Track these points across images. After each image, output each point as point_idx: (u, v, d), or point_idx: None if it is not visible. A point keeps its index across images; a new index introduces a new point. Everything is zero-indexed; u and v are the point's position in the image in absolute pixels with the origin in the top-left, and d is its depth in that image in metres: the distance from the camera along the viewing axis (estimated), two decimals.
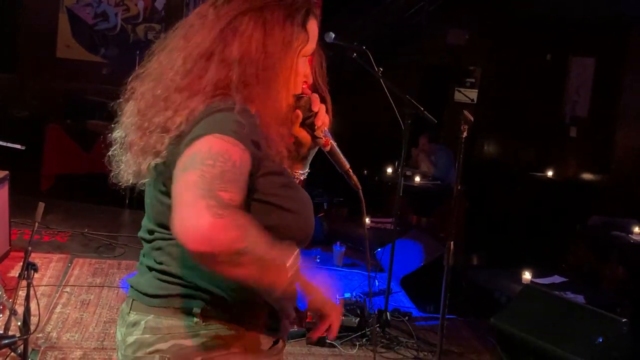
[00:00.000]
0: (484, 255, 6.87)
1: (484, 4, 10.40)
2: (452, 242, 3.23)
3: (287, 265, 1.38)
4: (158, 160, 1.47)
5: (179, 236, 1.28)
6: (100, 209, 6.73)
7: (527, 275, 5.11)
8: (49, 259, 5.16)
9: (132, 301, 1.57)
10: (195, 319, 1.49)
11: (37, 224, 3.12)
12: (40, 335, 3.85)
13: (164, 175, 1.48)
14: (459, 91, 12.02)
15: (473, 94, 11.75)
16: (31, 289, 3.05)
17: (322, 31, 5.39)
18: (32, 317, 3.10)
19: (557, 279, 5.26)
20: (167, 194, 1.45)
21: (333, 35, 4.09)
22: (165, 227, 1.49)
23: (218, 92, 1.47)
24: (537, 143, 10.18)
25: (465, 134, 3.21)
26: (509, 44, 10.20)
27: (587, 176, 9.17)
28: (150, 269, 1.56)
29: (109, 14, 8.87)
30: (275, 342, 1.60)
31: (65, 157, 7.35)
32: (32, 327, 3.16)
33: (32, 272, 3.05)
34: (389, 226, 6.30)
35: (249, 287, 1.37)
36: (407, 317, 4.67)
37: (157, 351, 1.49)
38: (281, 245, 1.38)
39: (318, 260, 5.64)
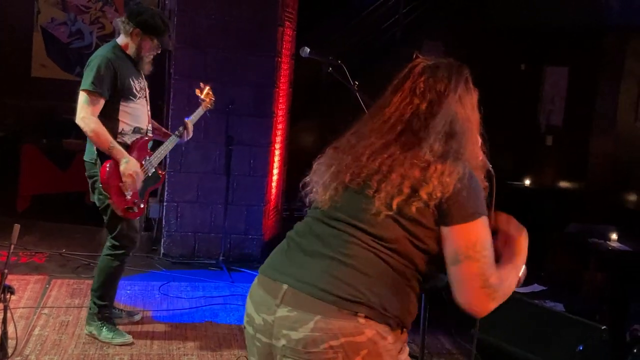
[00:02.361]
0: None
1: (458, 16, 10.49)
2: None
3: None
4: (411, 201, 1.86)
5: (465, 306, 1.89)
6: (77, 229, 6.67)
7: None
8: (27, 281, 5.10)
9: (287, 291, 1.87)
10: (361, 320, 1.81)
11: (12, 246, 3.09)
12: (18, 358, 3.80)
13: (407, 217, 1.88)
14: None
15: None
16: (8, 312, 3.02)
17: (298, 45, 5.43)
18: (9, 341, 3.07)
19: (536, 287, 5.28)
20: (416, 224, 1.88)
21: (308, 50, 4.09)
22: (398, 251, 1.88)
23: (450, 158, 1.89)
24: (514, 152, 10.24)
25: None
26: (484, 54, 10.27)
27: (564, 184, 9.26)
28: (336, 259, 1.88)
29: (84, 33, 8.83)
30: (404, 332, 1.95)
31: (42, 176, 7.29)
32: (10, 351, 3.13)
33: (9, 294, 3.02)
34: None
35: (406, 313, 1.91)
36: None
37: (330, 347, 1.79)
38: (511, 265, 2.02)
39: None
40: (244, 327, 2.03)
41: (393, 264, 1.88)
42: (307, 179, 2.09)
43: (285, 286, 1.88)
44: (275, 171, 6.34)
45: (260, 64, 5.92)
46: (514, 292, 5.07)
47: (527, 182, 9.65)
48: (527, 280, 5.44)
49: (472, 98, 2.06)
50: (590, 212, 8.25)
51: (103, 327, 4.16)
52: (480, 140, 2.08)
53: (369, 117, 2.10)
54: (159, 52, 4.25)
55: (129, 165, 3.94)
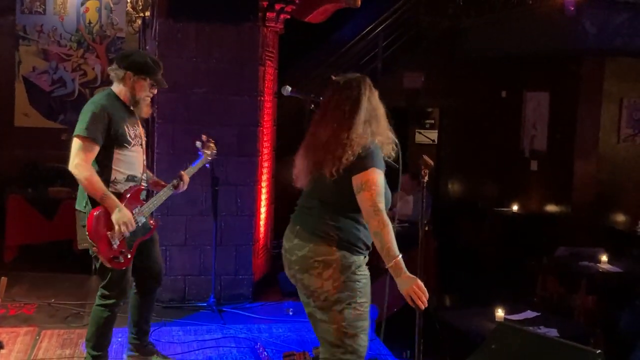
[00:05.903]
0: (456, 295, 6.88)
1: (437, 46, 10.61)
2: None
3: (394, 253, 3.08)
4: (337, 170, 3.11)
5: (370, 222, 3.07)
6: (66, 277, 6.59)
7: (500, 313, 5.11)
8: (16, 333, 5.03)
9: (298, 230, 3.25)
10: (333, 247, 3.14)
11: (0, 299, 3.06)
12: None
13: (341, 178, 3.12)
14: (420, 133, 12.17)
15: (433, 135, 11.91)
16: None
17: (280, 83, 5.45)
18: None
19: (529, 314, 5.27)
20: (341, 186, 3.14)
21: (289, 89, 4.12)
22: (342, 203, 3.17)
23: (365, 136, 3.18)
24: (500, 179, 10.30)
25: (426, 179, 3.25)
26: (464, 83, 10.39)
27: (550, 208, 9.30)
28: (315, 216, 3.21)
29: (66, 80, 8.85)
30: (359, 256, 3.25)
31: (28, 226, 7.24)
32: None
33: None
34: None
35: (357, 239, 3.19)
36: None
37: (316, 260, 3.14)
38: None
39: (291, 313, 5.58)
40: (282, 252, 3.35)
41: (342, 210, 3.16)
42: (295, 168, 3.37)
43: (298, 227, 3.26)
44: (263, 209, 6.33)
45: (243, 104, 5.94)
46: (508, 320, 5.05)
47: (515, 207, 9.68)
48: (520, 307, 5.44)
49: (375, 96, 3.25)
50: (578, 234, 8.28)
51: None
52: (387, 122, 3.28)
53: (320, 117, 3.28)
54: (155, 92, 4.16)
55: (121, 214, 3.82)
